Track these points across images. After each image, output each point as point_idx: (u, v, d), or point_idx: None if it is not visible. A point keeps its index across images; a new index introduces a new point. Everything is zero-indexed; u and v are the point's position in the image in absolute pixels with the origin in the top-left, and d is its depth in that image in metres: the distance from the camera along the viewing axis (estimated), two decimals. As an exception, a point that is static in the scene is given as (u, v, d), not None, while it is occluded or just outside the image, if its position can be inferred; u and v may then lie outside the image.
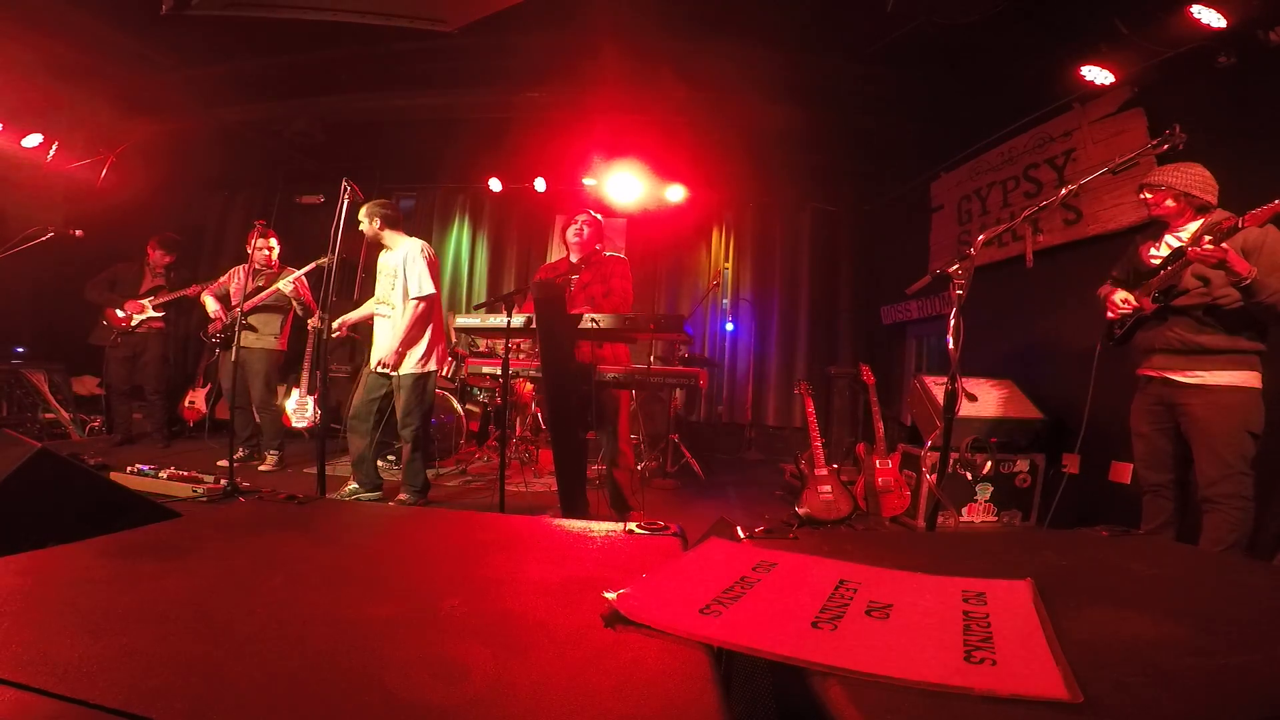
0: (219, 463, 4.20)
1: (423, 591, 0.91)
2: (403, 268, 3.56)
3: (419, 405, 3.58)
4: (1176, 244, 2.43)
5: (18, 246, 4.35)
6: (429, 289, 3.55)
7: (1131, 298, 2.54)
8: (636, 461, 3.38)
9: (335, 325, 3.56)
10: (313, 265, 4.46)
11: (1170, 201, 2.46)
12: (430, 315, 3.61)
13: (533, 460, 4.96)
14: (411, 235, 3.75)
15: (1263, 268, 2.19)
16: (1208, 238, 2.19)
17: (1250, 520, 2.31)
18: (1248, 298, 2.21)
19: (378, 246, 3.73)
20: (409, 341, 3.53)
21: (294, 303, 4.55)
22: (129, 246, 5.40)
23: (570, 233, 3.47)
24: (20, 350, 5.60)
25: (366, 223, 3.60)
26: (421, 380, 3.59)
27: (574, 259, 3.43)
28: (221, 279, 4.75)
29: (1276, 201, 2.04)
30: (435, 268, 3.64)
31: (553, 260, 3.56)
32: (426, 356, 3.60)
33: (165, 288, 5.11)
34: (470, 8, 4.01)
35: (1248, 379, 2.32)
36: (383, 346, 3.56)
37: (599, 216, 3.56)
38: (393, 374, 3.54)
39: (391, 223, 3.65)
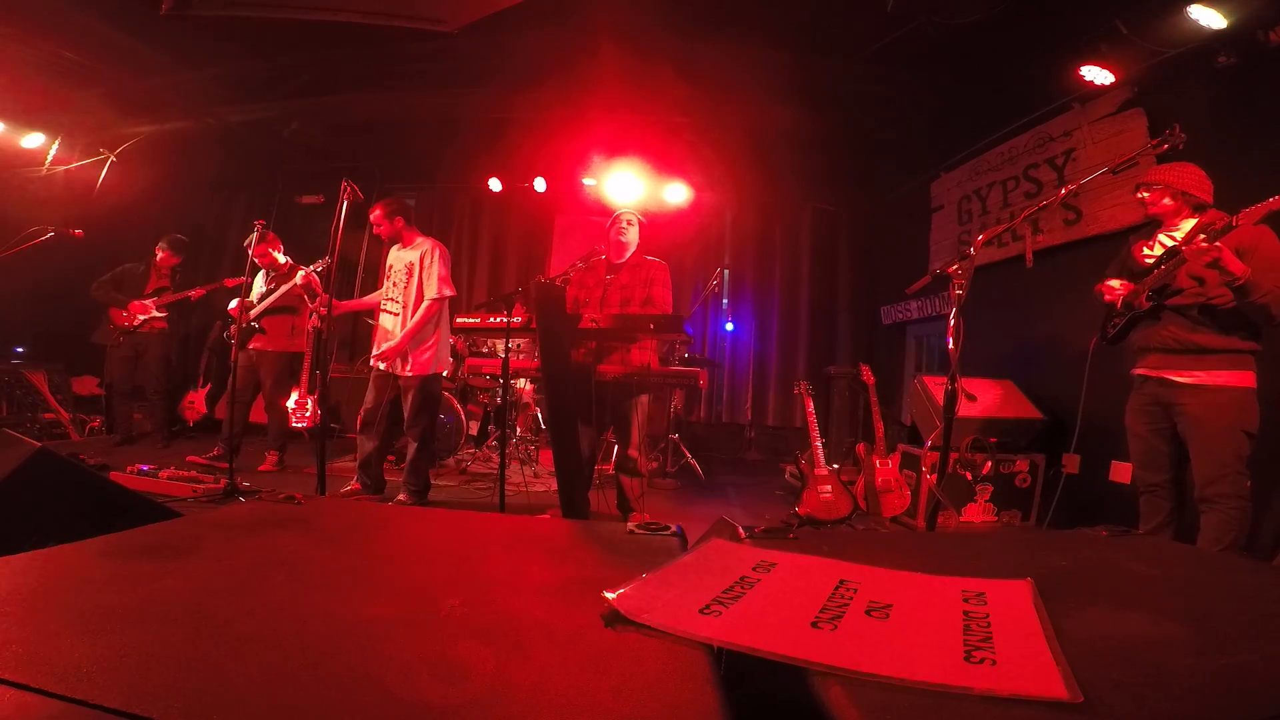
0: (188, 458, 4.18)
1: (423, 591, 0.91)
2: (419, 266, 3.54)
3: (426, 406, 3.58)
4: (1171, 243, 2.43)
5: (18, 246, 4.35)
6: (448, 292, 3.55)
7: (1128, 284, 2.54)
8: (645, 467, 3.37)
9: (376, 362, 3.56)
10: (319, 264, 4.40)
11: (1168, 200, 2.46)
12: (441, 317, 3.61)
13: (533, 460, 4.96)
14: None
15: (1257, 267, 2.19)
16: (1202, 236, 2.19)
17: (1247, 520, 2.31)
18: (1241, 297, 2.21)
19: (379, 244, 3.71)
20: (418, 341, 3.51)
21: (305, 294, 4.51)
22: (129, 246, 5.40)
23: (613, 232, 3.39)
24: (20, 350, 5.60)
25: (388, 220, 3.58)
26: (429, 382, 3.58)
27: (616, 260, 3.38)
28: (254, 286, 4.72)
29: (1270, 200, 2.05)
30: (449, 268, 3.65)
31: (585, 260, 3.47)
32: (434, 358, 3.58)
33: (170, 289, 5.11)
34: (470, 8, 4.01)
35: (1243, 379, 2.32)
36: (388, 343, 3.54)
37: (641, 217, 3.48)
38: (399, 375, 3.52)
39: (409, 219, 3.68)
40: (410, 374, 3.52)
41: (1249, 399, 2.32)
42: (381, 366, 3.57)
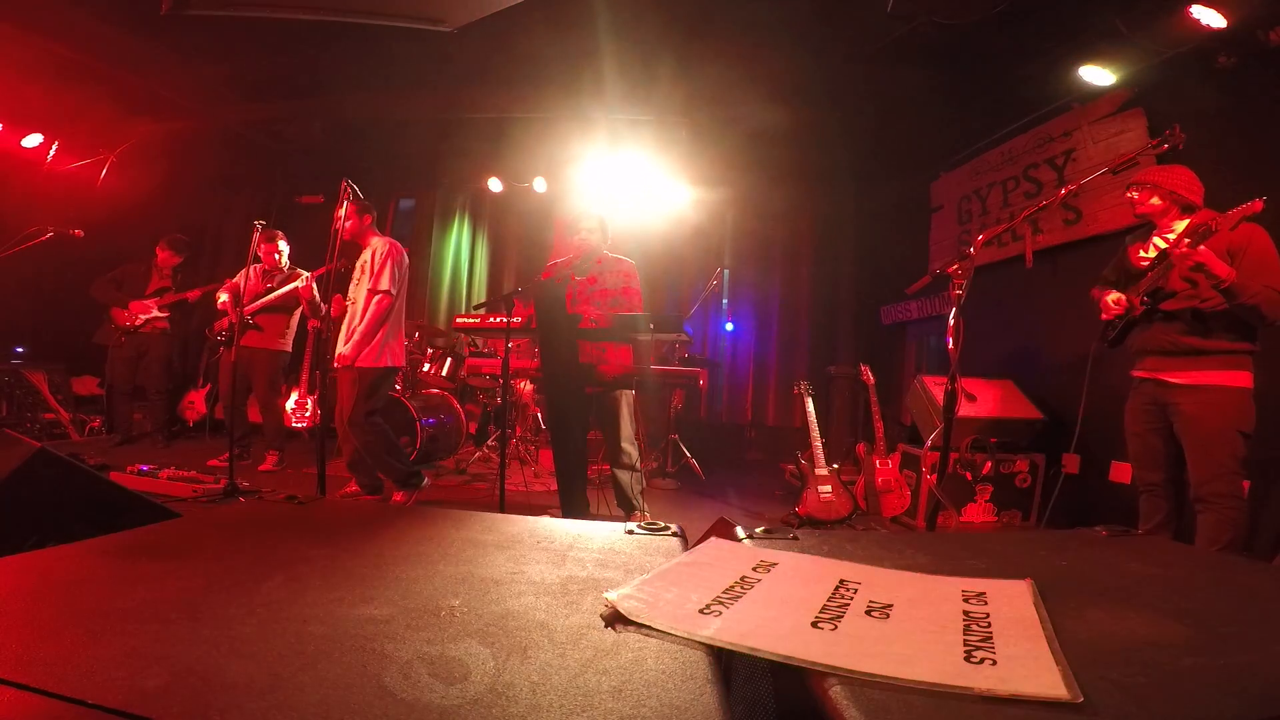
0: (209, 462, 4.20)
1: (423, 591, 0.91)
2: (370, 263, 3.50)
3: (365, 398, 3.41)
4: (1164, 245, 2.44)
5: (18, 246, 4.34)
6: (386, 284, 3.43)
7: (1124, 298, 2.55)
8: (639, 461, 3.35)
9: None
10: (324, 269, 4.38)
11: (1155, 200, 2.48)
12: (390, 312, 3.49)
13: (533, 460, 4.96)
14: (409, 235, 3.73)
15: (1246, 269, 2.20)
16: (1187, 240, 2.20)
17: (1244, 519, 2.31)
18: (1229, 300, 2.22)
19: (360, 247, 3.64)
20: (366, 335, 3.40)
21: (306, 303, 4.53)
22: (130, 246, 5.40)
23: (577, 232, 3.37)
24: (20, 350, 5.59)
25: (357, 217, 3.49)
26: (370, 375, 3.43)
27: (579, 258, 3.35)
28: (235, 278, 4.72)
29: (1248, 203, 2.06)
30: (403, 268, 3.56)
31: (556, 260, 3.47)
32: (379, 352, 3.45)
33: (172, 289, 5.11)
34: (470, 8, 4.01)
35: (1238, 379, 2.33)
36: (341, 340, 3.48)
37: (603, 216, 3.48)
38: (340, 365, 3.43)
39: (373, 221, 3.66)
40: (349, 366, 3.38)
41: (1244, 399, 2.32)
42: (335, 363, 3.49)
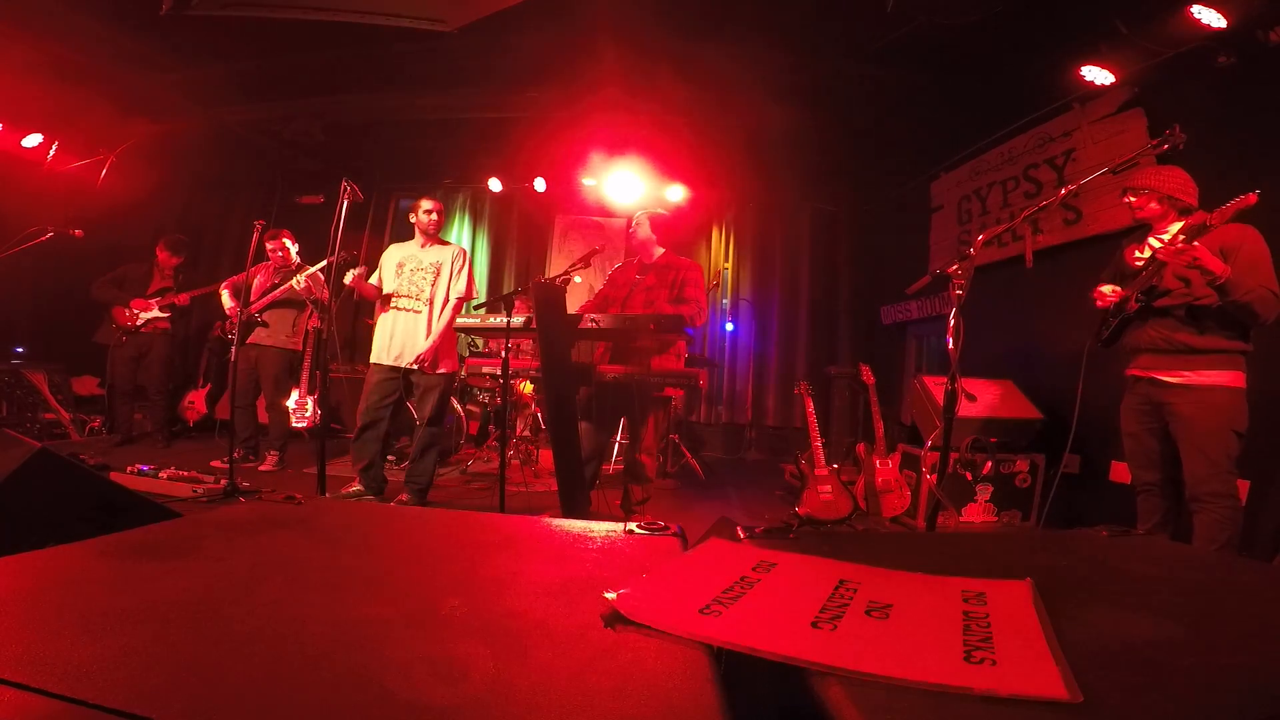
0: (212, 463, 4.20)
1: (423, 591, 0.91)
2: (451, 266, 3.61)
3: (446, 405, 3.71)
4: (1158, 245, 2.44)
5: (18, 246, 4.34)
6: (475, 291, 3.71)
7: (1119, 290, 2.55)
8: (653, 471, 3.38)
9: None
10: (323, 264, 4.42)
11: (1154, 204, 2.48)
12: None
13: (533, 460, 4.95)
14: (409, 235, 3.77)
15: (1239, 267, 2.20)
16: (1181, 237, 2.20)
17: (1239, 518, 2.31)
18: (1223, 297, 2.22)
19: (378, 242, 3.75)
20: (448, 341, 3.60)
21: (309, 301, 4.52)
22: (130, 246, 5.40)
23: (639, 233, 3.46)
24: (20, 350, 5.59)
25: (437, 215, 3.69)
26: (451, 380, 3.70)
27: (647, 261, 3.45)
28: (237, 277, 4.69)
29: (1239, 198, 2.06)
30: None
31: (585, 261, 3.51)
32: (453, 358, 3.71)
33: (173, 289, 5.11)
34: (470, 8, 4.01)
35: (1232, 379, 2.33)
36: (415, 343, 3.52)
37: (660, 210, 3.57)
38: (427, 374, 3.54)
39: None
40: (441, 372, 3.58)
41: (1238, 399, 2.32)
42: (407, 365, 3.54)
